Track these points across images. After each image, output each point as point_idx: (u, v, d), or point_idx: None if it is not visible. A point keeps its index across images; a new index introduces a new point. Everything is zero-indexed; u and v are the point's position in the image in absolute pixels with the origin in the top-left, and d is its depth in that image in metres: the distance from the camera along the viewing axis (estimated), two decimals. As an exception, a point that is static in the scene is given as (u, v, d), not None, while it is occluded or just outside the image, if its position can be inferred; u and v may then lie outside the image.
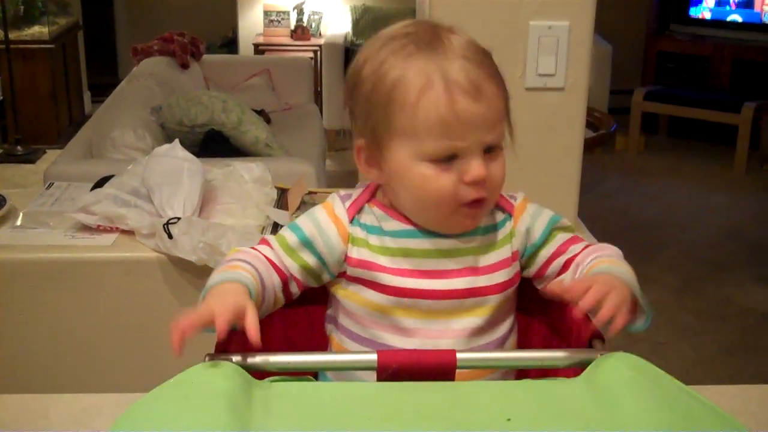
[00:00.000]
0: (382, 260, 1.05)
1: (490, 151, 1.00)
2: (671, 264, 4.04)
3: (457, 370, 0.92)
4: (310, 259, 1.07)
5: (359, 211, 1.08)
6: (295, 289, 1.08)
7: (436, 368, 0.91)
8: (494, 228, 1.09)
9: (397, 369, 0.90)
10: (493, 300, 1.07)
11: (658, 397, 0.82)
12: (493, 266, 1.07)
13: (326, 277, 1.09)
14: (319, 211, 1.09)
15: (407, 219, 1.06)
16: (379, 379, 0.91)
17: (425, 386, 0.89)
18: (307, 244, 1.06)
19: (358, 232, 1.07)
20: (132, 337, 1.86)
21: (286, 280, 1.07)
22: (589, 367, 0.90)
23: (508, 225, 1.10)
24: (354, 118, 1.06)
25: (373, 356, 0.91)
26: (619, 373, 0.86)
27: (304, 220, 1.09)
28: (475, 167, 0.98)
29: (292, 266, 1.07)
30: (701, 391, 0.88)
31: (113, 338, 1.86)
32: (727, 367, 3.18)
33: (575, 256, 1.09)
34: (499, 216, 1.10)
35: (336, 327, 1.11)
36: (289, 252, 1.07)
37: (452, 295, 1.05)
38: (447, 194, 1.00)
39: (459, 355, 0.92)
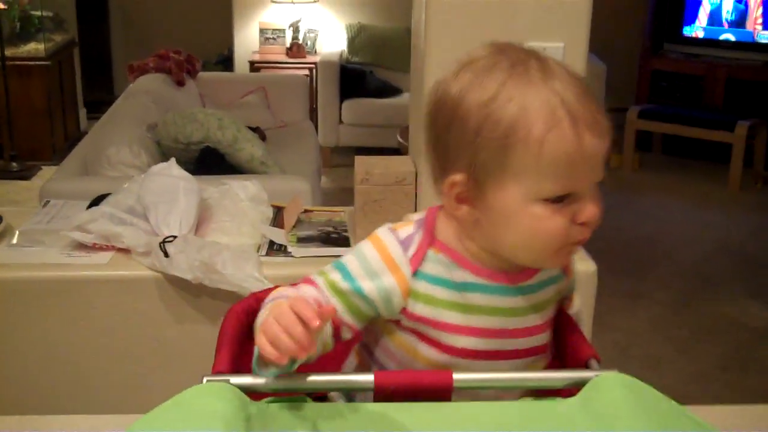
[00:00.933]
0: (448, 316, 0.97)
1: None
2: (666, 280, 4.05)
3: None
4: (363, 306, 0.98)
5: (423, 259, 0.97)
6: (348, 335, 0.99)
7: (433, 388, 0.91)
8: (551, 282, 1.04)
9: (394, 389, 0.91)
10: (544, 357, 1.05)
11: (653, 418, 0.83)
12: (547, 324, 1.04)
13: (379, 319, 1.01)
14: (372, 256, 0.98)
15: (477, 267, 0.98)
16: (376, 399, 0.91)
17: (422, 406, 0.89)
18: (360, 295, 0.97)
19: (421, 287, 0.97)
20: (128, 356, 1.86)
21: (338, 327, 0.98)
22: (585, 388, 0.90)
23: (563, 283, 1.05)
24: (446, 152, 0.96)
25: (370, 377, 0.91)
26: (614, 393, 0.87)
27: (355, 266, 0.98)
28: (591, 208, 0.92)
29: (344, 312, 0.97)
30: (697, 411, 0.88)
31: (109, 357, 1.86)
32: (722, 382, 3.18)
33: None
34: (555, 270, 1.05)
35: (372, 360, 1.05)
36: (340, 296, 0.97)
37: (514, 356, 1.00)
38: (558, 235, 0.93)
39: (455, 376, 0.92)
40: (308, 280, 1.00)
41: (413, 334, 0.99)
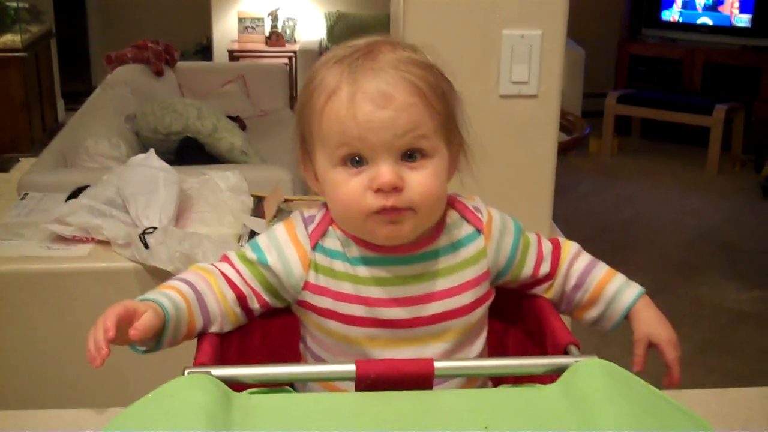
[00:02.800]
0: (346, 287, 1.03)
1: (411, 158, 0.98)
2: (644, 265, 4.07)
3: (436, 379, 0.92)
4: (270, 277, 1.06)
5: (323, 234, 1.06)
6: (255, 305, 1.07)
7: (414, 377, 0.92)
8: (461, 244, 1.07)
9: (375, 379, 0.91)
10: (462, 322, 1.06)
11: (633, 403, 0.84)
12: (461, 287, 1.06)
13: (287, 298, 1.07)
14: (280, 232, 1.07)
15: (369, 243, 1.04)
16: (358, 389, 0.92)
17: (403, 395, 0.90)
18: (265, 266, 1.05)
19: (320, 259, 1.05)
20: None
21: (243, 295, 1.06)
22: (564, 374, 0.91)
23: (479, 242, 1.07)
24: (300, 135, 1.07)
25: (352, 366, 0.92)
26: (594, 379, 0.87)
27: (264, 241, 1.07)
28: (381, 173, 0.96)
29: (250, 278, 1.06)
30: (676, 396, 0.89)
31: (90, 349, 1.85)
32: (702, 366, 3.21)
33: (555, 258, 1.14)
34: (466, 230, 1.08)
35: (306, 350, 1.11)
36: (247, 264, 1.06)
37: (419, 323, 1.04)
38: (355, 200, 0.98)
39: (436, 364, 0.92)
40: (225, 258, 1.09)
41: (321, 313, 1.05)
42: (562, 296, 1.15)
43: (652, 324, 1.12)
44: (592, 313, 1.16)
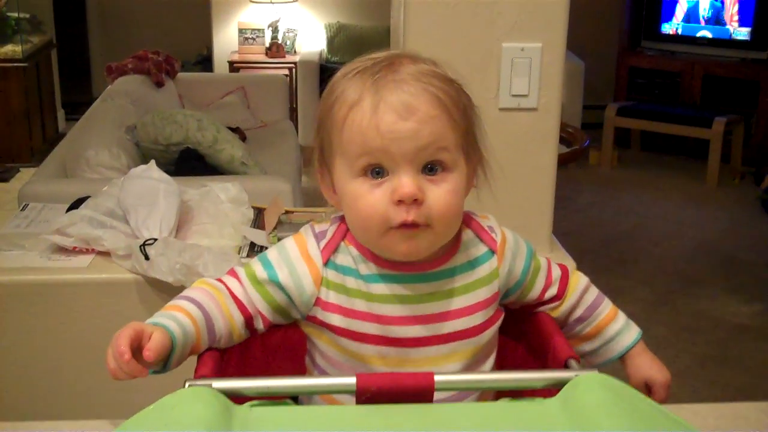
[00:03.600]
0: (359, 305, 1.03)
1: (432, 171, 0.98)
2: (644, 277, 4.07)
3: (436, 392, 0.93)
4: (278, 297, 1.05)
5: (335, 250, 1.04)
6: (260, 325, 1.07)
7: (414, 391, 0.92)
8: (476, 263, 1.07)
9: (375, 392, 0.91)
10: (473, 342, 1.06)
11: (633, 418, 0.84)
12: (474, 306, 1.05)
13: (295, 315, 1.07)
14: (291, 247, 1.06)
15: (383, 260, 1.03)
16: (359, 402, 0.92)
17: (403, 409, 0.90)
18: (276, 283, 1.04)
19: (332, 276, 1.04)
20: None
21: (250, 316, 1.05)
22: (564, 388, 0.91)
23: (493, 262, 1.07)
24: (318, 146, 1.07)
25: (352, 380, 0.92)
26: (594, 393, 0.88)
27: (275, 256, 1.06)
28: (402, 185, 0.96)
29: (259, 301, 1.05)
30: (675, 410, 0.89)
31: (90, 361, 1.85)
32: (701, 379, 3.20)
33: (563, 284, 1.15)
34: (480, 249, 1.08)
35: (314, 366, 1.10)
36: (257, 286, 1.05)
37: (431, 342, 1.03)
38: (376, 213, 0.97)
39: (437, 378, 0.92)
40: (232, 272, 1.08)
41: (332, 330, 1.04)
42: (565, 321, 1.16)
43: (648, 368, 1.16)
44: (586, 347, 1.18)
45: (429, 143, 0.96)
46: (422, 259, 1.03)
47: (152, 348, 0.93)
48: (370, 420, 0.87)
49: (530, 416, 0.88)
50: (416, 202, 0.96)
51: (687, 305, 3.82)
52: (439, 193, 0.98)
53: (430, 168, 0.98)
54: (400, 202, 0.96)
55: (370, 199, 0.97)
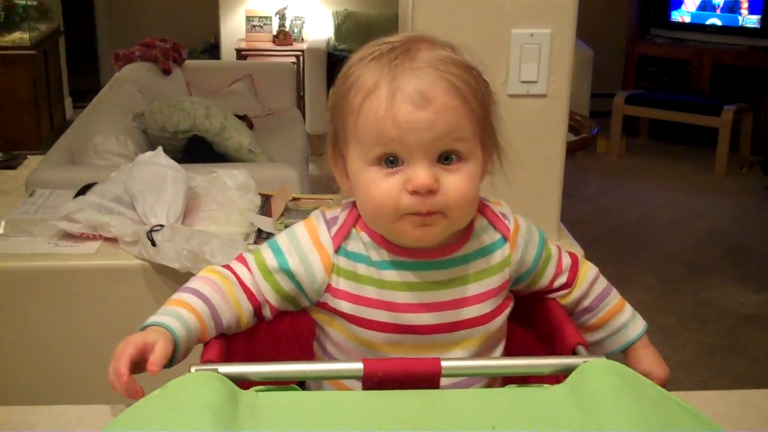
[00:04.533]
0: (367, 291, 1.02)
1: (447, 160, 0.97)
2: (652, 266, 4.06)
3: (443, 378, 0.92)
4: (288, 285, 1.04)
5: (346, 237, 1.03)
6: (268, 313, 1.06)
7: (421, 376, 0.92)
8: (489, 251, 1.06)
9: (382, 378, 0.91)
10: (483, 330, 1.05)
11: (641, 404, 0.83)
12: (486, 293, 1.05)
13: (304, 303, 1.06)
14: (301, 234, 1.05)
15: (395, 247, 1.02)
16: (365, 387, 0.92)
17: (410, 394, 0.89)
18: (287, 271, 1.03)
19: (343, 262, 1.03)
20: (116, 346, 1.85)
21: (258, 305, 1.05)
22: (572, 374, 0.91)
23: (505, 250, 1.06)
24: (333, 131, 1.05)
25: (359, 365, 0.91)
26: (602, 379, 0.87)
27: (285, 242, 1.05)
28: (417, 175, 0.95)
29: (268, 291, 1.04)
30: (684, 397, 0.89)
31: (97, 347, 1.85)
32: (708, 368, 3.20)
33: (573, 272, 1.15)
34: (493, 236, 1.07)
35: (324, 353, 1.09)
36: (266, 275, 1.04)
37: (442, 329, 1.03)
38: (389, 200, 0.96)
39: (444, 363, 0.92)
40: (241, 259, 1.06)
41: (342, 316, 1.03)
42: (572, 310, 1.16)
43: (649, 362, 1.16)
44: (591, 337, 1.17)
45: (445, 133, 0.95)
46: (434, 246, 1.02)
47: (156, 362, 0.93)
48: (376, 405, 0.87)
49: (538, 402, 0.88)
50: (431, 192, 0.96)
51: (695, 294, 3.81)
52: (455, 182, 0.97)
53: (446, 157, 0.97)
54: (414, 192, 0.95)
55: (384, 187, 0.97)
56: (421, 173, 0.95)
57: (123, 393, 0.92)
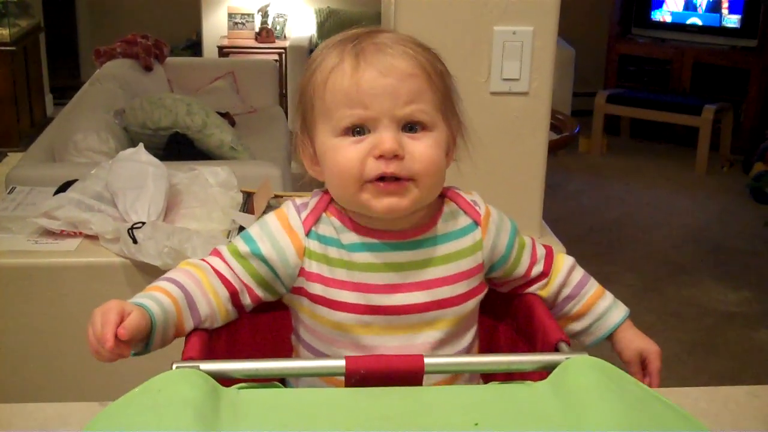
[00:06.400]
0: (340, 274, 1.03)
1: (412, 130, 1.00)
2: (633, 264, 4.08)
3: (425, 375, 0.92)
4: (262, 270, 1.05)
5: (317, 221, 1.05)
6: (247, 300, 1.06)
7: (404, 373, 0.91)
8: (458, 234, 1.07)
9: (364, 374, 0.91)
10: (455, 312, 1.06)
11: (623, 400, 0.84)
12: (456, 276, 1.06)
13: (281, 290, 1.07)
14: (272, 221, 1.06)
15: (365, 229, 1.04)
16: (347, 384, 0.91)
17: (393, 391, 0.89)
18: (259, 256, 1.04)
19: (314, 245, 1.04)
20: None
21: (236, 291, 1.05)
22: (555, 371, 0.91)
23: (476, 234, 1.08)
24: (300, 120, 1.08)
25: (341, 362, 0.91)
26: (584, 376, 0.87)
27: (256, 231, 1.06)
28: (383, 139, 0.97)
29: (243, 274, 1.05)
30: (665, 394, 0.89)
31: (77, 345, 1.83)
32: (689, 366, 3.22)
33: (548, 262, 1.16)
34: (464, 221, 1.08)
35: (299, 341, 1.10)
36: (240, 260, 1.05)
37: (412, 310, 1.04)
38: (353, 166, 0.98)
39: (427, 360, 0.92)
40: (215, 251, 1.08)
41: (315, 300, 1.05)
42: (554, 302, 1.16)
43: (639, 341, 1.17)
44: (577, 326, 1.18)
45: (409, 100, 0.99)
46: (404, 228, 1.04)
47: (127, 327, 0.94)
48: (359, 403, 0.87)
49: (520, 399, 0.88)
50: (397, 157, 0.98)
51: (675, 292, 3.83)
52: (421, 148, 0.99)
53: (410, 127, 1.00)
54: (380, 156, 0.98)
55: (350, 153, 0.99)
56: (386, 137, 0.98)
57: (105, 358, 0.94)
